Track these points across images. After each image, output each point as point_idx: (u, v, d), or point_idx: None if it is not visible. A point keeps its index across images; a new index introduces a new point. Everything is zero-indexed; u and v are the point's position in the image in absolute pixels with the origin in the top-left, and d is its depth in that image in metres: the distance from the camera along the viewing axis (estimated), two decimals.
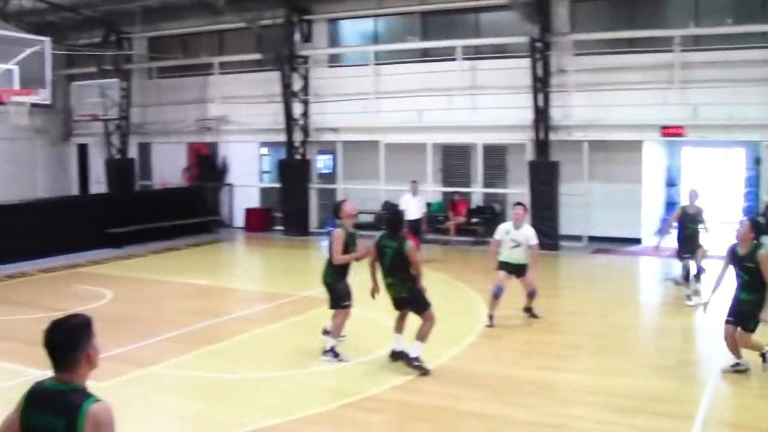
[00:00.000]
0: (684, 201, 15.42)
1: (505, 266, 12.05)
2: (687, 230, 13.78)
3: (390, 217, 10.31)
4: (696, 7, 19.50)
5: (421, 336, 9.68)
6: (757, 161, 22.04)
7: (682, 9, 19.82)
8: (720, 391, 9.02)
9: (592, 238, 20.68)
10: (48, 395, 3.57)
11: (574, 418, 8.02)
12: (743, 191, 23.21)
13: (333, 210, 11.09)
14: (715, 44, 19.03)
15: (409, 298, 9.78)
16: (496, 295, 11.90)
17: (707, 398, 8.63)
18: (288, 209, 24.12)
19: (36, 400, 3.60)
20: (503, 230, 12.16)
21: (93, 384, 3.67)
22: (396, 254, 9.65)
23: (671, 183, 24.15)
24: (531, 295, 12.36)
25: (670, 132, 19.44)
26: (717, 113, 18.61)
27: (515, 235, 12.01)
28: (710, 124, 18.87)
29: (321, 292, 14.65)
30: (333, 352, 10.17)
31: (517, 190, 20.96)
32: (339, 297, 10.25)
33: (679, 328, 12.67)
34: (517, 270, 12.07)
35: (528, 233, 12.08)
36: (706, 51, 19.08)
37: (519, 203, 12.65)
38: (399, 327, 10.11)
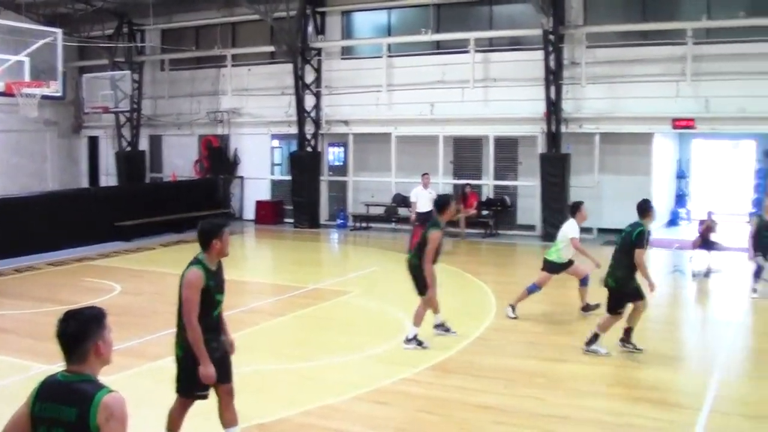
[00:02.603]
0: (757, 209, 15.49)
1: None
2: (764, 239, 13.50)
3: (199, 228, 6.33)
4: (708, 0, 19.36)
5: None
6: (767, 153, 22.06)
7: (695, 2, 19.69)
8: (727, 382, 8.99)
9: (602, 230, 20.59)
10: (60, 386, 3.57)
11: (583, 408, 8.04)
12: (753, 183, 23.11)
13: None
14: (728, 37, 19.04)
15: (181, 359, 6.22)
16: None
17: (714, 388, 8.62)
18: (299, 202, 24.15)
19: (47, 391, 3.60)
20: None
21: (100, 377, 3.68)
22: (179, 287, 6.21)
23: (681, 175, 24.09)
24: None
25: (682, 124, 19.43)
26: (728, 106, 18.71)
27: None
28: (721, 116, 18.94)
29: (331, 284, 14.79)
30: (416, 340, 10.25)
31: (528, 183, 20.97)
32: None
33: (686, 319, 12.78)
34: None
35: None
36: (718, 44, 19.10)
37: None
38: (173, 425, 6.49)
